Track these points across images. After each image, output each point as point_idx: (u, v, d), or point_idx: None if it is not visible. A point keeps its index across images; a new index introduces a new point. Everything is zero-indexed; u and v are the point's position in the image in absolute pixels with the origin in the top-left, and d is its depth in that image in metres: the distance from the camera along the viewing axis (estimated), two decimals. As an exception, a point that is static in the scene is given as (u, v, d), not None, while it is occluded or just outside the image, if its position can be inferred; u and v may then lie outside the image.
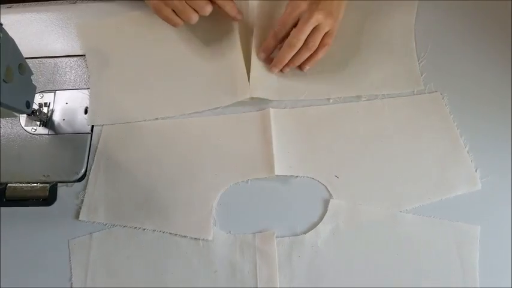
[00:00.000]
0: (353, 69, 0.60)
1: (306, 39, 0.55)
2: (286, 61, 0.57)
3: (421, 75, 0.59)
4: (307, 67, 0.58)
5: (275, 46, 0.58)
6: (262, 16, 0.63)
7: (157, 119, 0.59)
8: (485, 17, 0.62)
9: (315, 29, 0.55)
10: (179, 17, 0.56)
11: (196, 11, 0.56)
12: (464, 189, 0.51)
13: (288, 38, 0.55)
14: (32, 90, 0.52)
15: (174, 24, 0.57)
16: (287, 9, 0.56)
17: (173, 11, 0.56)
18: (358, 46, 0.61)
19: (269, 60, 0.59)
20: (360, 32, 0.62)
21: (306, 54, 0.56)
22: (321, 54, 0.57)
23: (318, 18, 0.54)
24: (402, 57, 0.60)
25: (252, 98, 0.57)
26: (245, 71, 0.59)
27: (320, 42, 0.56)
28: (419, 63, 0.60)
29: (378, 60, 0.60)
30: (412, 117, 0.56)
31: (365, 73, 0.60)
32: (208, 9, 0.56)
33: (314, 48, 0.56)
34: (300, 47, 0.55)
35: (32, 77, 0.52)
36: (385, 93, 0.58)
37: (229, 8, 0.59)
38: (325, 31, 0.55)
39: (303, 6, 0.55)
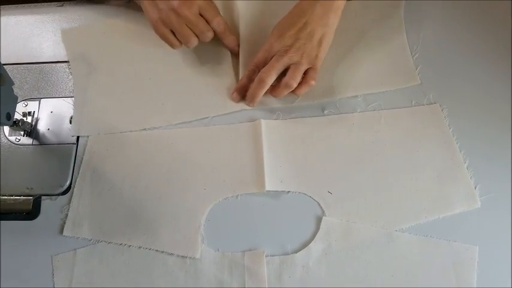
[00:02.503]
0: (346, 69, 0.58)
1: (286, 77, 0.52)
2: (259, 97, 0.54)
3: (416, 69, 0.57)
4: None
5: (248, 86, 0.55)
6: (249, 28, 0.60)
7: (144, 129, 0.56)
8: (483, 15, 0.61)
9: (293, 66, 0.52)
10: (177, 38, 0.54)
11: (197, 36, 0.54)
12: (462, 207, 0.49)
13: (259, 73, 0.53)
14: (13, 101, 0.50)
15: (171, 45, 0.55)
16: (263, 47, 0.54)
17: (171, 31, 0.54)
18: (349, 44, 0.59)
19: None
20: (349, 30, 0.60)
21: (285, 92, 0.53)
22: (303, 91, 0.54)
23: (291, 57, 0.52)
24: (395, 51, 0.59)
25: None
26: (235, 81, 0.57)
27: (304, 78, 0.53)
28: (412, 57, 0.58)
29: (370, 57, 0.58)
30: (409, 129, 0.54)
31: (359, 72, 0.57)
32: (209, 35, 0.54)
33: (294, 86, 0.52)
34: (270, 83, 0.53)
35: (15, 86, 0.50)
36: (381, 91, 0.56)
37: (228, 40, 0.56)
38: (305, 68, 0.53)
39: (277, 46, 0.52)
